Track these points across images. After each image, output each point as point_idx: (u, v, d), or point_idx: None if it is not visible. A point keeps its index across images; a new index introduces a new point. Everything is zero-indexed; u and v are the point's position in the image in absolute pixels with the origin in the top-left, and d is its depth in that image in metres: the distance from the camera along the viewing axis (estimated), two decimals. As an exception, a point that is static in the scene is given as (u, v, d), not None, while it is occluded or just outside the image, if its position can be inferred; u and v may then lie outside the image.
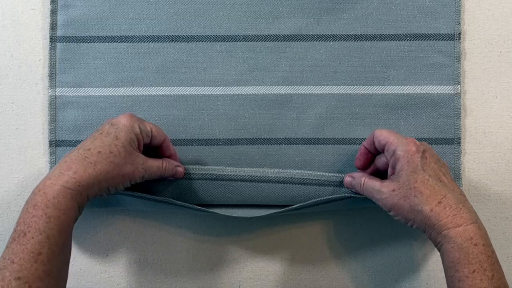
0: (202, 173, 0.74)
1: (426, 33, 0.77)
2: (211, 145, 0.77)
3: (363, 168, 0.73)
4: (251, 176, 0.74)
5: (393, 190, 0.64)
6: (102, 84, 0.78)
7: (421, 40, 0.77)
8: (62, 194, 0.61)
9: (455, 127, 0.77)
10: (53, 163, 0.77)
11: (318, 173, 0.75)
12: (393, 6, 0.77)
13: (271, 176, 0.74)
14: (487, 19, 0.78)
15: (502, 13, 0.78)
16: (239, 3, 0.78)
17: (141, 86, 0.78)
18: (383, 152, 0.68)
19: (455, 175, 0.76)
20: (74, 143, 0.77)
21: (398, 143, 0.66)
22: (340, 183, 0.74)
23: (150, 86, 0.77)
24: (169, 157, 0.73)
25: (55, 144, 0.77)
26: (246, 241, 0.78)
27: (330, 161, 0.77)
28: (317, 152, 0.77)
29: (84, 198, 0.63)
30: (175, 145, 0.77)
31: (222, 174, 0.74)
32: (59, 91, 0.78)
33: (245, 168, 0.75)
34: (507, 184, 0.77)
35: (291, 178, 0.74)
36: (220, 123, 0.77)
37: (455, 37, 0.77)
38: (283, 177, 0.74)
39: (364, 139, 0.76)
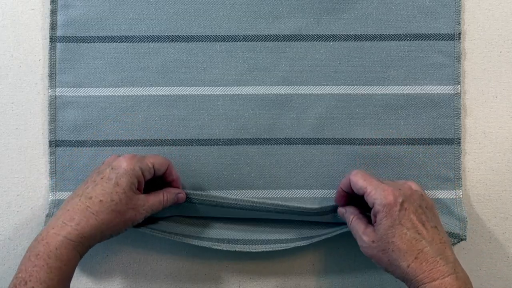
0: (202, 199, 0.74)
1: (426, 33, 0.77)
2: (211, 145, 0.77)
3: (345, 205, 0.72)
4: (251, 206, 0.74)
5: (373, 242, 0.65)
6: (102, 84, 0.78)
7: (421, 40, 0.77)
8: (65, 246, 0.63)
9: (455, 127, 0.76)
10: (53, 163, 0.77)
11: (316, 206, 0.74)
12: (393, 6, 0.77)
13: (271, 208, 0.74)
14: (487, 19, 0.78)
15: (502, 13, 0.78)
16: (239, 3, 0.78)
17: (141, 86, 0.77)
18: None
19: (455, 176, 0.76)
20: (74, 143, 0.77)
21: (376, 195, 0.65)
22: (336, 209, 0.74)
23: (150, 86, 0.77)
24: (172, 181, 0.73)
25: (55, 144, 0.77)
26: (246, 241, 0.78)
27: (330, 161, 0.77)
28: (317, 152, 0.77)
29: (86, 248, 0.65)
30: (176, 145, 0.77)
31: (222, 202, 0.74)
32: (59, 91, 0.78)
33: (246, 199, 0.74)
34: (507, 184, 0.77)
35: (292, 210, 0.74)
36: (220, 123, 0.77)
37: (455, 37, 0.77)
38: (284, 209, 0.74)
39: (364, 139, 0.76)
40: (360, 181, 0.67)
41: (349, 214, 0.70)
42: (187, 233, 0.75)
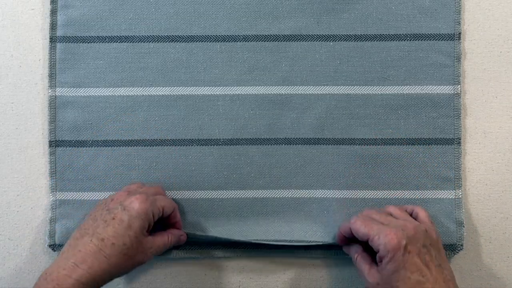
0: (203, 239, 0.76)
1: (426, 33, 0.76)
2: (211, 145, 0.77)
3: (347, 243, 0.73)
4: (253, 243, 0.75)
5: (377, 284, 0.64)
6: (102, 84, 0.77)
7: (421, 40, 0.76)
8: None
9: (455, 127, 0.76)
10: (52, 163, 0.77)
11: (319, 242, 0.75)
12: (393, 6, 0.77)
13: (273, 245, 0.75)
14: (487, 19, 0.77)
15: (502, 13, 0.78)
16: (239, 3, 0.78)
17: (141, 86, 0.77)
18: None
19: (455, 176, 0.76)
20: (74, 143, 0.77)
21: (380, 241, 0.64)
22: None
23: (150, 86, 0.77)
24: (175, 223, 0.74)
25: (55, 144, 0.77)
26: (246, 241, 0.78)
27: (329, 161, 0.77)
28: (317, 152, 0.77)
29: None
30: (175, 145, 0.77)
31: (223, 240, 0.76)
32: (59, 91, 0.77)
33: (247, 240, 0.75)
34: (507, 184, 0.77)
35: (294, 245, 0.75)
36: (220, 123, 0.77)
37: (455, 37, 0.77)
38: (287, 245, 0.75)
39: (364, 139, 0.76)
40: (361, 228, 0.66)
41: (354, 253, 0.70)
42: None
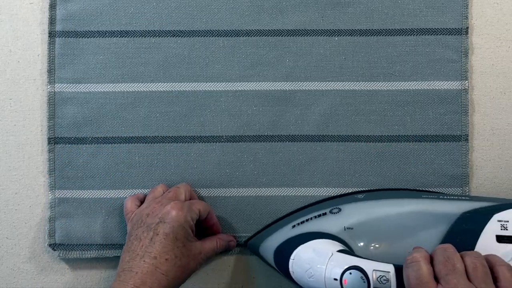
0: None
1: (433, 27, 0.76)
2: (213, 142, 0.77)
3: None
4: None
5: None
6: (102, 80, 0.77)
7: (428, 35, 0.76)
8: None
9: (463, 123, 0.76)
10: (51, 160, 0.77)
11: None
12: (399, 0, 0.76)
13: None
14: (495, 13, 0.77)
15: (510, 7, 0.77)
16: (242, -3, 0.77)
17: (142, 82, 0.77)
18: None
19: (463, 173, 0.75)
20: (73, 140, 0.77)
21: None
22: None
23: (151, 82, 0.77)
24: (212, 226, 0.74)
25: (54, 141, 0.77)
26: (249, 240, 0.77)
27: (334, 158, 0.76)
28: (322, 150, 0.76)
29: None
30: (177, 143, 0.76)
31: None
32: (58, 87, 0.77)
33: None
34: (515, 182, 0.77)
35: None
36: (223, 119, 0.77)
37: (463, 31, 0.76)
38: None
39: (369, 136, 0.76)
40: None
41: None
42: None
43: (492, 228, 0.64)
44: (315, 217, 0.71)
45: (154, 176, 0.77)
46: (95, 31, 0.77)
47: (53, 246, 0.77)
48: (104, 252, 0.77)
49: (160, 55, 0.77)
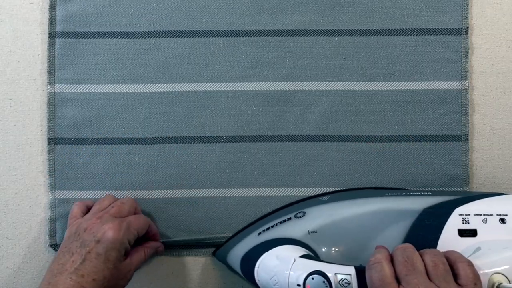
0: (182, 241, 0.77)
1: (433, 27, 0.76)
2: (213, 142, 0.76)
3: None
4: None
5: None
6: (102, 81, 0.77)
7: (428, 35, 0.76)
8: None
9: (463, 123, 0.76)
10: (51, 161, 0.77)
11: None
12: (399, 0, 0.76)
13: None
14: (495, 13, 0.77)
15: (510, 7, 0.77)
16: (241, -2, 0.77)
17: (142, 83, 0.77)
18: None
19: (463, 173, 0.75)
20: (73, 141, 0.77)
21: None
22: None
23: (151, 83, 0.77)
24: (152, 236, 0.74)
25: (54, 141, 0.77)
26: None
27: (334, 158, 0.76)
28: (322, 150, 0.76)
29: None
30: (177, 143, 0.76)
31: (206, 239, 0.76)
32: (58, 87, 0.77)
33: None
34: (515, 182, 0.77)
35: None
36: (223, 120, 0.77)
37: (463, 31, 0.76)
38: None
39: (369, 136, 0.76)
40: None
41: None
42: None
43: (453, 222, 0.65)
44: (280, 222, 0.71)
45: (154, 177, 0.76)
46: (95, 32, 0.77)
47: (54, 246, 0.77)
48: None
49: (160, 55, 0.77)
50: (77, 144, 0.77)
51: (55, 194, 0.77)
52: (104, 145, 0.77)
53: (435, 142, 0.76)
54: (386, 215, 0.68)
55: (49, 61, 0.77)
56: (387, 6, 0.76)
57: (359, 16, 0.76)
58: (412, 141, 0.76)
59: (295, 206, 0.74)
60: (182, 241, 0.76)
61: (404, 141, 0.76)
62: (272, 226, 0.71)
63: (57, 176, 0.77)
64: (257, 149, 0.76)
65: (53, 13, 0.77)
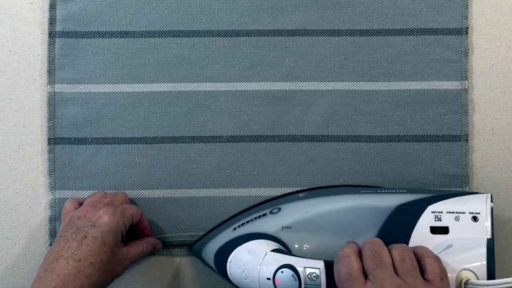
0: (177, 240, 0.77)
1: (433, 27, 0.76)
2: (213, 142, 0.76)
3: None
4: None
5: None
6: (102, 81, 0.77)
7: (428, 35, 0.76)
8: None
9: (463, 123, 0.76)
10: (51, 161, 0.77)
11: None
12: (399, 0, 0.76)
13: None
14: (495, 13, 0.77)
15: (510, 7, 0.77)
16: (241, -3, 0.77)
17: (141, 83, 0.77)
18: None
19: (463, 173, 0.75)
20: (73, 141, 0.77)
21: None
22: None
23: (151, 83, 0.77)
24: (143, 229, 0.74)
25: (54, 141, 0.77)
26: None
27: (334, 158, 0.76)
28: (321, 150, 0.76)
29: None
30: (177, 143, 0.76)
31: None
32: (58, 87, 0.77)
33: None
34: (515, 182, 0.77)
35: None
36: (223, 120, 0.77)
37: (463, 31, 0.76)
38: None
39: (369, 136, 0.76)
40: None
41: None
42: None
43: (426, 219, 0.65)
44: (256, 218, 0.72)
45: (154, 176, 0.76)
46: (95, 31, 0.77)
47: (53, 246, 0.77)
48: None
49: (160, 55, 0.77)
50: (77, 144, 0.77)
51: (55, 194, 0.77)
52: (104, 145, 0.77)
53: (435, 142, 0.76)
54: (359, 212, 0.68)
55: (49, 61, 0.77)
56: (387, 6, 0.76)
57: (359, 16, 0.76)
58: (412, 141, 0.76)
59: (272, 202, 0.74)
60: (182, 240, 0.76)
61: (404, 141, 0.76)
62: (248, 222, 0.72)
63: (57, 176, 0.77)
64: (257, 149, 0.76)
65: (53, 13, 0.77)
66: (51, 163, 0.77)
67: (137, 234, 0.74)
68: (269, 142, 0.76)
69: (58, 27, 0.77)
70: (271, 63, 0.77)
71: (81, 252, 0.64)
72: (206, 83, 0.77)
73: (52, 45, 0.77)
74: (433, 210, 0.65)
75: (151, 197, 0.76)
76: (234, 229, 0.72)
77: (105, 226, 0.66)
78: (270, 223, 0.70)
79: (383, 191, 0.71)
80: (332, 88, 0.76)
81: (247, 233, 0.70)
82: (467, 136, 0.76)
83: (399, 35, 0.76)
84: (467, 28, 0.76)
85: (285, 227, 0.69)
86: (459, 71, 0.76)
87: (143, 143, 0.77)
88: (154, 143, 0.77)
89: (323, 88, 0.76)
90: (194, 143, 0.77)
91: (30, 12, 0.78)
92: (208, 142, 0.77)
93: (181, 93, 0.77)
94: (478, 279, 0.59)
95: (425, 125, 0.76)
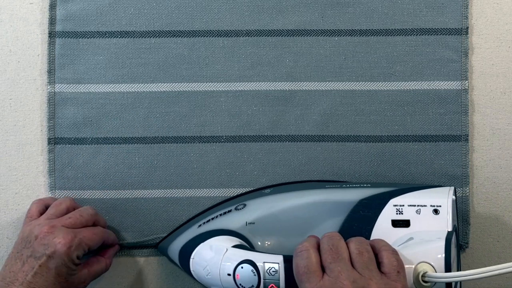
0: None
1: (433, 27, 0.76)
2: (213, 142, 0.76)
3: None
4: None
5: None
6: (102, 81, 0.77)
7: (428, 35, 0.76)
8: None
9: (463, 123, 0.76)
10: (51, 161, 0.77)
11: None
12: (399, 0, 0.76)
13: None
14: (495, 13, 0.77)
15: (510, 7, 0.77)
16: (241, -3, 0.77)
17: (141, 83, 0.77)
18: None
19: (463, 173, 0.75)
20: (73, 141, 0.77)
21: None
22: None
23: (151, 83, 0.77)
24: (111, 244, 0.74)
25: (54, 141, 0.77)
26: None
27: (334, 158, 0.76)
28: (321, 150, 0.76)
29: None
30: (177, 143, 0.76)
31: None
32: (58, 87, 0.77)
33: None
34: (515, 182, 0.77)
35: None
36: (223, 120, 0.77)
37: (463, 31, 0.76)
38: None
39: (369, 136, 0.76)
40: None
41: None
42: None
43: (387, 213, 0.65)
44: (221, 214, 0.72)
45: (154, 176, 0.76)
46: (95, 31, 0.77)
47: (53, 246, 0.77)
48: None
49: (160, 55, 0.77)
50: (77, 144, 0.77)
51: (55, 194, 0.77)
52: (104, 145, 0.77)
53: (435, 142, 0.75)
54: (322, 206, 0.68)
55: (49, 61, 0.77)
56: (387, 6, 0.76)
57: (359, 16, 0.76)
58: (412, 141, 0.76)
59: (238, 199, 0.74)
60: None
61: (404, 141, 0.76)
62: (213, 218, 0.72)
63: (57, 176, 0.77)
64: (257, 149, 0.76)
65: (53, 13, 0.77)
66: (51, 163, 0.77)
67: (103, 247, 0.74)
68: (269, 142, 0.76)
69: (58, 27, 0.77)
70: (271, 63, 0.77)
71: (36, 281, 0.64)
72: (206, 83, 0.77)
73: (52, 45, 0.77)
74: (395, 204, 0.65)
75: (151, 197, 0.76)
76: (200, 226, 0.72)
77: (59, 258, 0.65)
78: (234, 219, 0.70)
79: (348, 185, 0.71)
80: (332, 88, 0.76)
81: (211, 230, 0.70)
82: (467, 136, 0.76)
83: (399, 35, 0.76)
84: (467, 28, 0.76)
85: (249, 223, 0.69)
86: (459, 71, 0.76)
87: (143, 143, 0.77)
88: (154, 143, 0.77)
89: (323, 88, 0.76)
90: (194, 143, 0.77)
91: (30, 12, 0.78)
92: (208, 142, 0.76)
93: (181, 93, 0.77)
94: (436, 272, 0.58)
95: (425, 125, 0.76)
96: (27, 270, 0.65)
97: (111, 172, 0.77)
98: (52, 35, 0.77)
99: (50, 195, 0.76)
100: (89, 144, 0.77)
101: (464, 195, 0.75)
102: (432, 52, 0.76)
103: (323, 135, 0.76)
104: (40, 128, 0.77)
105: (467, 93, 0.76)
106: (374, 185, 0.70)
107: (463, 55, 0.76)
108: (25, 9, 0.78)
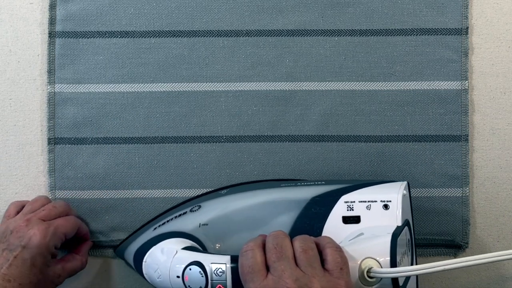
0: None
1: (433, 27, 0.76)
2: (213, 142, 0.76)
3: None
4: None
5: None
6: (102, 80, 0.77)
7: (428, 35, 0.76)
8: None
9: (463, 123, 0.76)
10: (51, 161, 0.77)
11: None
12: (399, 0, 0.76)
13: None
14: (495, 13, 0.77)
15: (510, 7, 0.77)
16: (241, -3, 0.77)
17: (141, 82, 0.77)
18: None
19: (463, 173, 0.75)
20: (73, 141, 0.77)
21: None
22: None
23: (151, 82, 0.77)
24: (83, 235, 0.75)
25: (54, 141, 0.77)
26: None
27: (334, 158, 0.76)
28: (321, 150, 0.76)
29: None
30: (177, 143, 0.76)
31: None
32: (58, 87, 0.77)
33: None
34: (515, 182, 0.77)
35: None
36: (223, 120, 0.76)
37: (463, 31, 0.76)
38: None
39: (369, 136, 0.76)
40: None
41: None
42: None
43: (339, 209, 0.65)
44: (176, 217, 0.72)
45: (154, 176, 0.76)
46: (95, 31, 0.77)
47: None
48: (104, 251, 0.77)
49: (160, 55, 0.77)
50: (77, 144, 0.77)
51: (55, 194, 0.77)
52: (104, 145, 0.77)
53: (435, 142, 0.75)
54: (275, 205, 0.68)
55: (49, 61, 0.77)
56: (387, 6, 0.76)
57: (359, 16, 0.76)
58: (412, 141, 0.76)
59: (194, 201, 0.74)
60: None
61: (404, 141, 0.76)
62: (168, 221, 0.72)
63: (57, 176, 0.77)
64: (257, 149, 0.76)
65: (53, 13, 0.77)
66: (51, 163, 0.77)
67: (76, 241, 0.74)
68: (269, 142, 0.76)
69: (58, 27, 0.77)
70: (271, 63, 0.77)
71: (11, 273, 0.64)
72: (206, 83, 0.77)
73: (52, 45, 0.77)
74: (346, 200, 0.65)
75: (151, 197, 0.76)
76: (155, 228, 0.72)
77: (35, 248, 0.66)
78: (188, 222, 0.70)
79: (302, 183, 0.70)
80: (332, 88, 0.76)
81: (164, 232, 0.70)
82: (467, 136, 0.76)
83: (399, 35, 0.76)
84: (467, 28, 0.76)
85: (202, 225, 0.69)
86: (459, 71, 0.76)
87: (143, 143, 0.77)
88: (154, 143, 0.77)
89: (323, 88, 0.76)
90: (194, 143, 0.76)
91: (30, 12, 0.78)
92: (208, 142, 0.76)
93: (181, 93, 0.77)
94: (382, 267, 0.58)
95: (425, 125, 0.76)
96: (2, 263, 0.65)
97: (111, 172, 0.77)
98: (52, 35, 0.77)
99: (50, 195, 0.76)
100: (89, 144, 0.77)
101: (464, 195, 0.75)
102: (432, 52, 0.76)
103: (323, 135, 0.76)
104: (40, 128, 0.77)
105: (467, 93, 0.76)
106: (328, 182, 0.70)
107: (463, 55, 0.76)
108: (25, 9, 0.78)
